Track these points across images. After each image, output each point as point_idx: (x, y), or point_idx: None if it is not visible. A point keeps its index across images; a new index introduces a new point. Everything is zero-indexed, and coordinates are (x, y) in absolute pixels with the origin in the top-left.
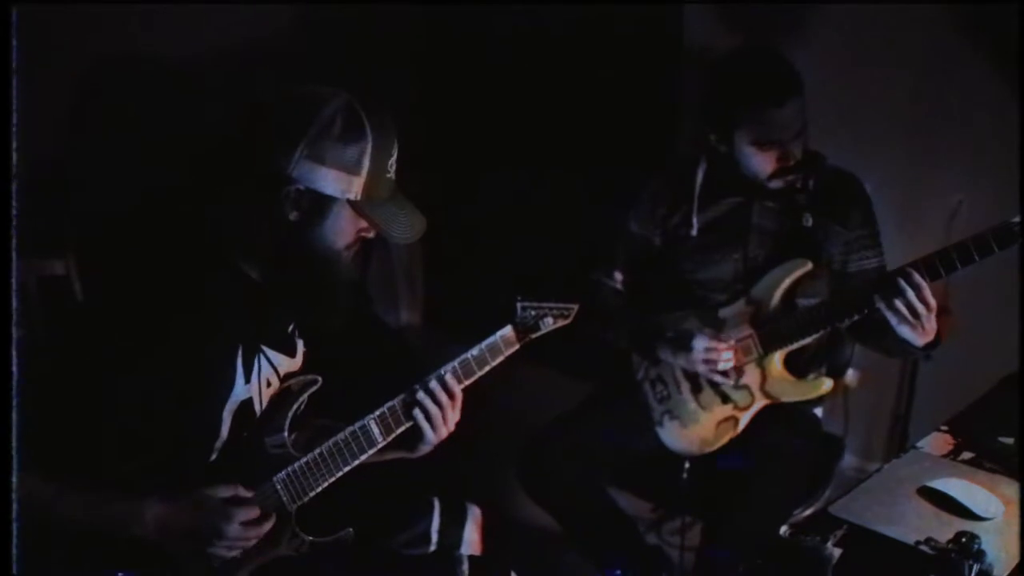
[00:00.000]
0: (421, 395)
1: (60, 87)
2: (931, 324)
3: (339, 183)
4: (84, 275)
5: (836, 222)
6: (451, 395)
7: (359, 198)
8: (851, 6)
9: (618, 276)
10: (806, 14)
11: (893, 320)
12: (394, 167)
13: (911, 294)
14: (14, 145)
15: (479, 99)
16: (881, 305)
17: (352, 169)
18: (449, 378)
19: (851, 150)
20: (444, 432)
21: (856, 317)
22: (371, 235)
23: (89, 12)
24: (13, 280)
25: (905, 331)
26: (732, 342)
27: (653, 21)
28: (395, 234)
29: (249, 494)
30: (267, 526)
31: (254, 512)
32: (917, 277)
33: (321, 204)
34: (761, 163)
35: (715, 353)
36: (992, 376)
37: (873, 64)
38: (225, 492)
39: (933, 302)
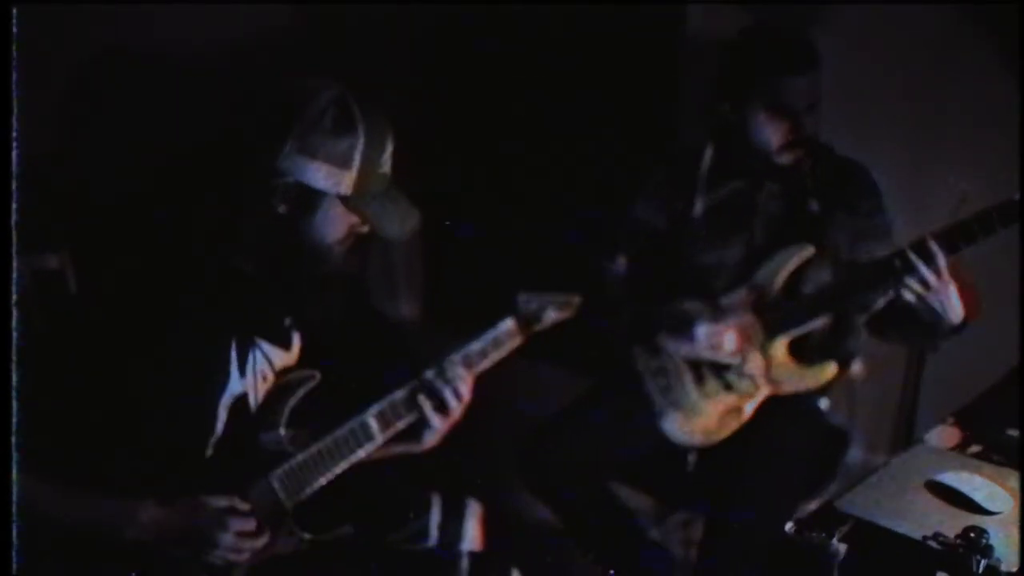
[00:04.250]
0: (429, 378)
1: (59, 84)
2: (950, 301)
3: (329, 177)
4: (78, 270)
5: (843, 210)
6: (458, 380)
7: (350, 192)
8: (853, 3)
9: (621, 262)
10: (808, 11)
11: (908, 296)
12: (389, 162)
13: (922, 265)
14: (14, 144)
15: (480, 92)
16: (893, 281)
17: (343, 163)
18: (456, 364)
19: (856, 141)
20: (451, 418)
21: (860, 301)
22: (365, 230)
23: (88, 11)
24: (13, 278)
25: (924, 309)
26: (731, 323)
27: (654, 19)
28: (387, 230)
29: (246, 507)
30: (262, 540)
31: (250, 524)
32: (933, 246)
33: (311, 198)
34: (772, 133)
35: (718, 337)
36: (999, 368)
37: (876, 57)
38: (222, 502)
39: (947, 275)
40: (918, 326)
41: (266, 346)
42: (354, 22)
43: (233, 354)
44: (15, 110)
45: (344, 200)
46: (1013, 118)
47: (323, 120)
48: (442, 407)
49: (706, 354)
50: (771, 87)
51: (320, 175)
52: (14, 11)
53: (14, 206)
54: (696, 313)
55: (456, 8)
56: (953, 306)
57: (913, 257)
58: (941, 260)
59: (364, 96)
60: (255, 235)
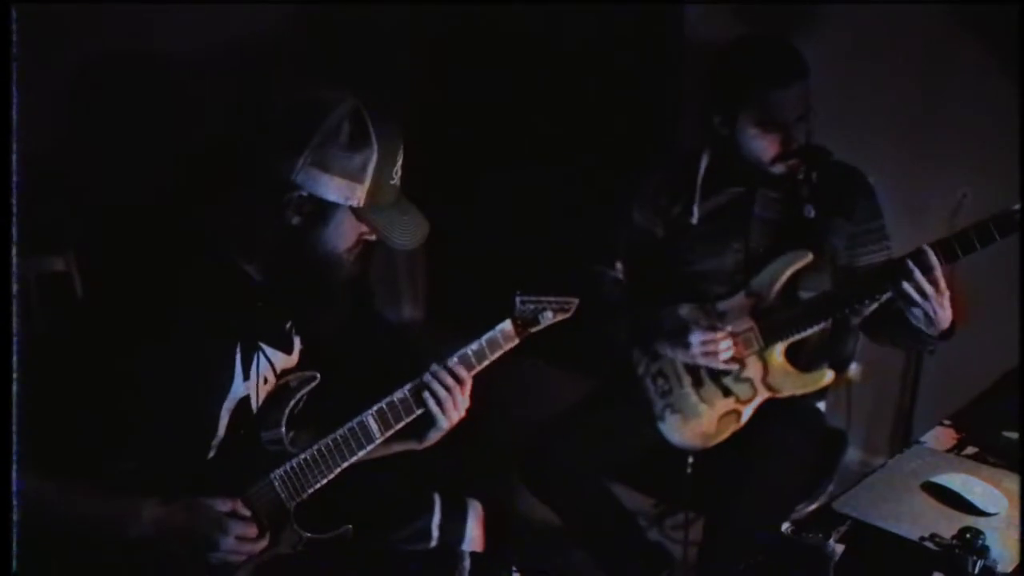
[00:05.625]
0: (430, 379)
1: (60, 86)
2: (944, 311)
3: (342, 190)
4: (84, 272)
5: (840, 215)
6: (459, 379)
7: (362, 205)
8: (852, 4)
9: (619, 266)
10: (807, 12)
11: (902, 304)
12: (399, 174)
13: (919, 275)
14: (14, 144)
15: (480, 95)
16: (890, 288)
17: (356, 177)
18: (455, 363)
19: (854, 144)
20: (455, 417)
21: (857, 307)
22: (373, 238)
23: (89, 12)
24: (14, 278)
25: (917, 316)
26: (728, 330)
27: (653, 20)
28: (397, 240)
29: (247, 512)
30: (262, 543)
31: (251, 529)
32: (931, 258)
33: (324, 210)
34: (763, 146)
35: (713, 344)
36: (996, 370)
37: (875, 59)
38: (224, 506)
39: (944, 285)
40: (907, 330)
41: (269, 350)
42: (353, 23)
43: (237, 358)
44: (15, 110)
45: (355, 211)
46: (1013, 118)
47: (338, 135)
48: (449, 396)
49: (701, 361)
50: (759, 102)
51: (334, 189)
52: (14, 11)
53: (14, 206)
54: (692, 319)
55: (456, 9)
56: (945, 314)
57: (912, 267)
58: (939, 270)
59: (377, 107)
60: (266, 244)
